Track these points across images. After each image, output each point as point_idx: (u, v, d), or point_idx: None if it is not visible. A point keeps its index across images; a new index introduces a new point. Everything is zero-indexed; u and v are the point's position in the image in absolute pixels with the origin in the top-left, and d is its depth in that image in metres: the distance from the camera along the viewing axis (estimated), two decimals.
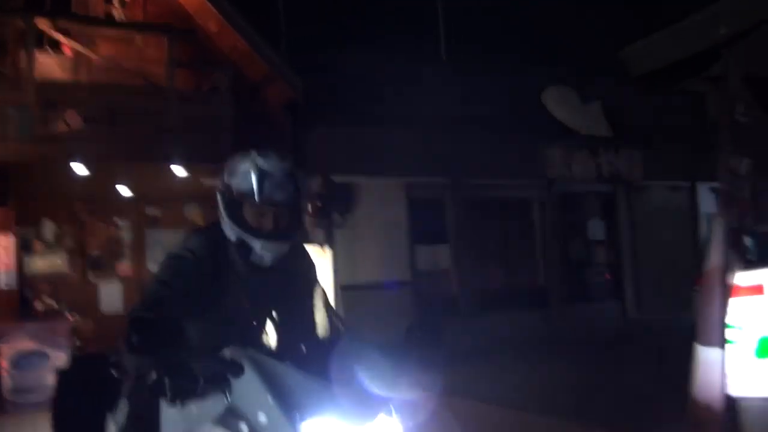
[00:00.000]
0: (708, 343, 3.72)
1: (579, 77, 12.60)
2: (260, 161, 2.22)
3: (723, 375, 3.63)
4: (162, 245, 9.38)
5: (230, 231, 2.24)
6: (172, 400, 1.76)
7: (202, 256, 2.21)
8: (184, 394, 1.77)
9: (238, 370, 1.84)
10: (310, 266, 2.51)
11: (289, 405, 1.82)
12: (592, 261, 13.38)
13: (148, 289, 2.14)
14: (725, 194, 4.10)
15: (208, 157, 7.84)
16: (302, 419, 1.79)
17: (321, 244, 9.15)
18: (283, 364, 1.96)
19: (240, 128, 8.93)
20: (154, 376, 1.74)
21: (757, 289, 3.99)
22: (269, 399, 1.83)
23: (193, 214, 10.19)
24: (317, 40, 10.45)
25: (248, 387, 1.87)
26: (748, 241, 10.80)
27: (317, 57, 10.09)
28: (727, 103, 4.14)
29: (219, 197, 2.27)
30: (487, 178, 11.29)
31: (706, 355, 3.76)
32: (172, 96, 8.82)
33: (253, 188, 2.19)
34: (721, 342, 3.65)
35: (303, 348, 2.29)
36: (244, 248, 2.23)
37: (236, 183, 2.23)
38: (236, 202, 2.23)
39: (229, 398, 1.85)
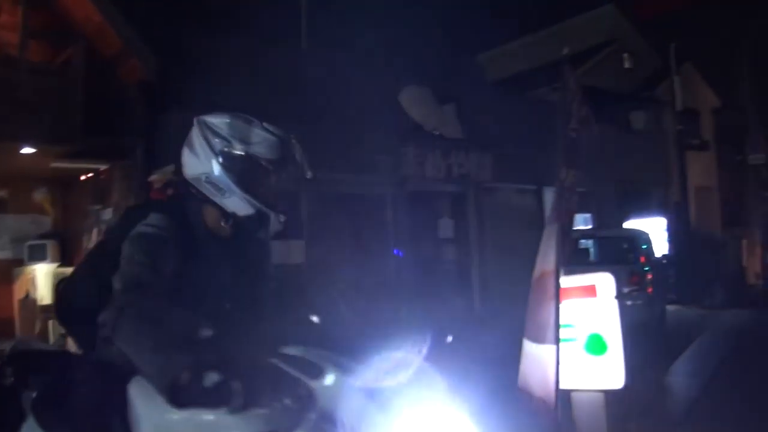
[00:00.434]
0: (542, 340, 3.91)
1: (436, 78, 12.93)
2: (278, 131, 2.15)
3: (557, 370, 3.81)
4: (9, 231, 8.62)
5: (242, 203, 2.09)
6: (243, 407, 1.59)
7: (172, 233, 2.05)
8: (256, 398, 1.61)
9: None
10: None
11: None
12: (442, 258, 13.80)
13: (129, 272, 1.90)
14: (556, 202, 4.33)
15: (59, 137, 7.28)
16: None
17: None
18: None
19: (91, 107, 8.34)
20: (215, 378, 1.56)
21: (590, 290, 4.25)
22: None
23: (42, 198, 9.47)
24: (177, 20, 10.02)
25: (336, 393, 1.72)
26: (589, 244, 11.61)
27: (176, 37, 9.65)
28: (562, 117, 4.37)
29: (219, 162, 2.09)
30: (341, 172, 11.30)
31: (539, 352, 3.94)
32: (23, 67, 8.09)
33: (279, 158, 2.11)
34: (555, 339, 3.84)
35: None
36: (253, 221, 2.13)
37: (255, 150, 2.09)
38: (249, 171, 2.09)
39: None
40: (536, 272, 4.13)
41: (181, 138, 2.26)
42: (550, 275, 3.99)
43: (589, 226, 18.66)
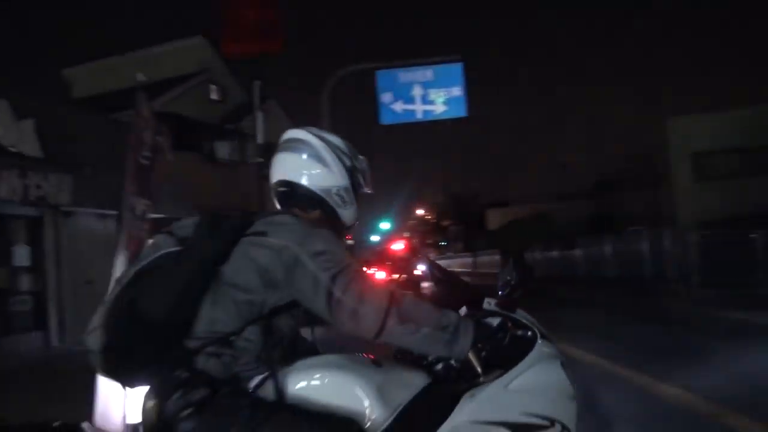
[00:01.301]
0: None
1: (13, 90, 11.75)
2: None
3: (124, 403, 3.81)
4: None
5: (354, 213, 2.39)
6: None
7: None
8: None
9: None
10: None
11: None
12: (17, 289, 12.48)
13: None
14: (125, 229, 4.33)
15: None
16: None
17: None
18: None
19: None
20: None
21: None
22: None
23: None
24: None
25: None
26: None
27: None
28: (134, 144, 4.40)
29: (348, 176, 2.34)
30: None
31: (108, 385, 3.90)
32: None
33: (367, 175, 2.43)
34: None
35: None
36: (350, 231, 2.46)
37: (362, 166, 2.41)
38: (358, 185, 2.39)
39: None
40: None
41: None
42: None
43: None
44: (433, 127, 45.18)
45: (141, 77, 4.47)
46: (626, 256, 18.12)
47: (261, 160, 17.30)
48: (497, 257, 34.54)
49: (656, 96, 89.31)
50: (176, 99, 23.89)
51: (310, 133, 2.38)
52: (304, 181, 2.28)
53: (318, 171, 2.30)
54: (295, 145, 2.34)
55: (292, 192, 2.29)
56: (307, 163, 2.30)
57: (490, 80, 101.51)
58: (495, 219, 42.09)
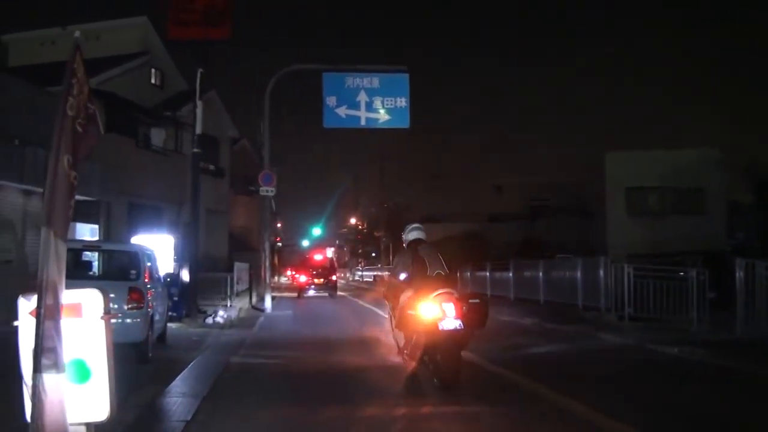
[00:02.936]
0: (51, 368, 3.43)
1: None
2: None
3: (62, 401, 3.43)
4: None
5: None
6: None
7: None
8: None
9: None
10: None
11: None
12: None
13: None
14: (49, 200, 3.83)
15: None
16: None
17: None
18: None
19: None
20: None
21: (75, 309, 3.78)
22: None
23: None
24: None
25: None
26: (93, 257, 10.82)
27: None
28: (63, 105, 3.84)
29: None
30: None
31: (50, 382, 3.44)
32: None
33: None
34: (61, 366, 3.42)
35: None
36: None
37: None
38: None
39: None
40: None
41: None
42: (50, 289, 3.49)
43: (96, 238, 17.80)
44: (374, 134, 45.00)
45: (78, 33, 3.91)
46: (558, 282, 18.17)
47: (198, 151, 16.66)
48: None
49: (599, 129, 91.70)
50: (113, 79, 22.86)
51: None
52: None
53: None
54: None
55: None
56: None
57: (433, 92, 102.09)
58: (428, 234, 41.94)
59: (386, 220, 53.81)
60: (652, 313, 13.54)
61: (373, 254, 61.93)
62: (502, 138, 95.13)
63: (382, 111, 20.13)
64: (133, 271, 9.57)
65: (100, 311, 3.82)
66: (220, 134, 28.22)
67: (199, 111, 16.29)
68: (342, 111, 20.04)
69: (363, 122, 20.32)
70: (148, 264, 9.94)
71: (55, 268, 3.63)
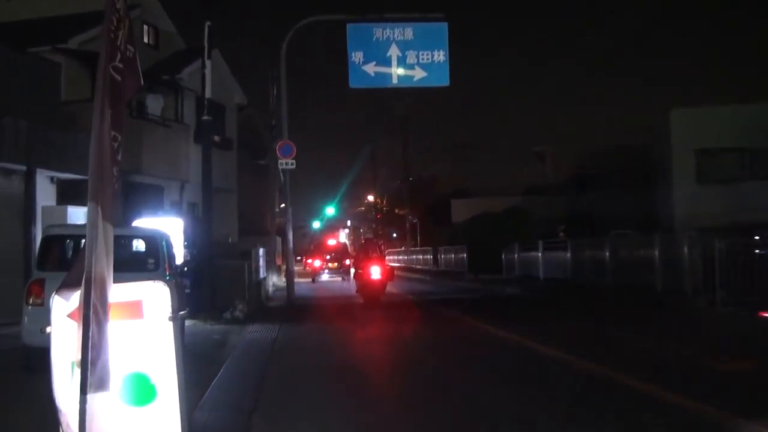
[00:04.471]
0: (102, 387, 2.98)
1: None
2: None
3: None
4: None
5: None
6: None
7: None
8: None
9: None
10: None
11: None
12: None
13: None
14: (96, 165, 3.42)
15: None
16: None
17: None
18: None
19: None
20: None
21: (135, 308, 3.29)
22: None
23: None
24: None
25: None
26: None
27: None
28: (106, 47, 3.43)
29: None
30: None
31: (101, 406, 3.00)
32: None
33: None
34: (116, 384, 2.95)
35: None
36: None
37: None
38: None
39: None
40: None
41: None
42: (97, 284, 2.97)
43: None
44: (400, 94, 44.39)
45: None
46: (628, 262, 17.50)
47: (208, 118, 15.98)
48: (464, 255, 33.84)
49: (655, 86, 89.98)
50: (100, 38, 22.15)
51: None
52: None
53: None
54: None
55: None
56: None
57: (467, 48, 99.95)
58: (460, 210, 41.23)
59: (410, 195, 53.19)
60: (746, 295, 12.92)
61: (395, 235, 61.36)
62: (543, 100, 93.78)
63: (418, 67, 19.43)
64: (152, 261, 8.96)
65: (168, 311, 3.22)
66: (227, 100, 27.40)
67: (208, 71, 15.65)
68: (370, 68, 19.36)
69: (395, 80, 19.65)
70: (167, 252, 9.34)
71: (104, 257, 3.07)
